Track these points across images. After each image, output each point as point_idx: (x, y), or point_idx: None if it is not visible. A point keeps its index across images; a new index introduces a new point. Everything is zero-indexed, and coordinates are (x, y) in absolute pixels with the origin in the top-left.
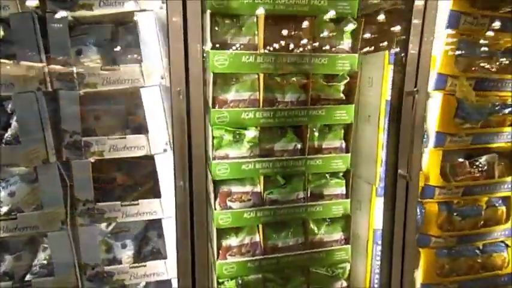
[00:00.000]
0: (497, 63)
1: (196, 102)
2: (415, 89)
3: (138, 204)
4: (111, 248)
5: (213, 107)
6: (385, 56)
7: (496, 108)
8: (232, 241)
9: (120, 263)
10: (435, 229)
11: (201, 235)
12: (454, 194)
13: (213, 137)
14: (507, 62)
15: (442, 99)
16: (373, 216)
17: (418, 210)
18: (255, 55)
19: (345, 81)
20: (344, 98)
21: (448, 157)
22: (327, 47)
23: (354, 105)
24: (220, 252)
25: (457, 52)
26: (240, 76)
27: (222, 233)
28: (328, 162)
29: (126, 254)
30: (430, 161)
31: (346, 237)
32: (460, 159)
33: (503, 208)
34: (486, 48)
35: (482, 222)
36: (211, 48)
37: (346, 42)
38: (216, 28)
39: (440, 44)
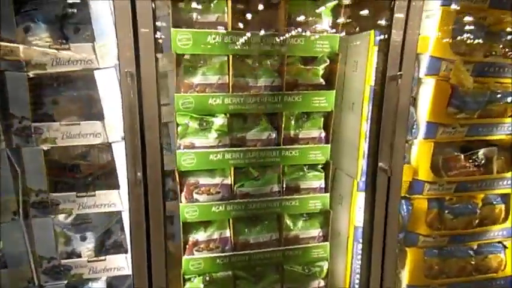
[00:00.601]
0: (500, 45)
1: (148, 85)
2: (398, 73)
3: (94, 195)
4: (69, 241)
5: (177, 91)
6: (370, 36)
7: (497, 96)
8: (200, 236)
9: (79, 256)
10: (424, 227)
11: (156, 229)
12: (446, 190)
13: (177, 124)
14: (511, 44)
15: (435, 85)
16: (354, 212)
17: (405, 207)
18: (221, 34)
19: (325, 65)
20: (324, 83)
21: (440, 150)
22: (305, 26)
23: (334, 91)
24: (187, 247)
25: (454, 33)
26: (209, 58)
27: (190, 227)
28: (306, 154)
29: (86, 247)
30: (419, 153)
31: (325, 234)
32: (455, 153)
33: (502, 206)
34: (487, 29)
35: (477, 221)
36: (174, 27)
37: (326, 21)
38: (181, 4)
39: (435, 23)
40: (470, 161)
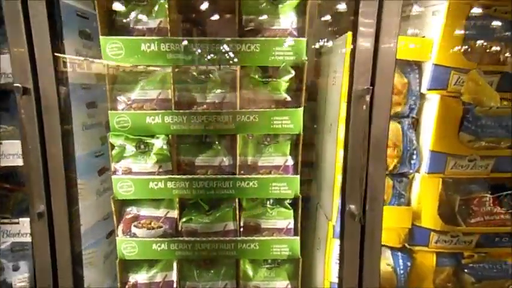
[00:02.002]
0: None
1: (50, 102)
2: (365, 88)
3: (18, 223)
4: (1, 269)
5: (112, 108)
6: (346, 40)
7: None
8: (141, 276)
9: (10, 287)
10: None
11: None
12: (464, 244)
13: (112, 146)
14: None
15: (441, 103)
16: (329, 263)
17: (401, 261)
18: (157, 42)
19: (289, 76)
20: (289, 99)
21: (458, 188)
22: (263, 30)
23: (301, 109)
24: None
25: (467, 33)
26: (153, 71)
27: (132, 265)
28: (267, 185)
29: (18, 278)
30: (422, 192)
31: None
32: (479, 193)
33: None
34: None
35: None
36: (105, 34)
37: (288, 21)
38: (118, 7)
39: (440, 20)
40: (502, 204)
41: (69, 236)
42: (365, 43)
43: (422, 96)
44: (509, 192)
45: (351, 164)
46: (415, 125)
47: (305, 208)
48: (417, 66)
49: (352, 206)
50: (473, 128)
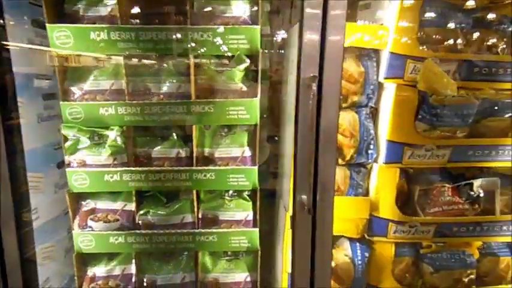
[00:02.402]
0: (493, 39)
1: None
2: (312, 75)
3: None
4: None
5: (65, 99)
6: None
7: (494, 108)
8: (99, 270)
9: None
10: (391, 281)
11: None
12: (421, 234)
13: (65, 138)
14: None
15: (397, 92)
16: (287, 254)
17: (359, 252)
18: (107, 30)
19: (244, 65)
20: (244, 88)
21: (417, 177)
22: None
23: (257, 99)
24: (84, 282)
25: (423, 20)
26: (105, 60)
27: (91, 258)
28: (224, 177)
29: None
30: (380, 182)
31: (254, 280)
32: (438, 183)
33: (510, 259)
34: (477, 14)
35: (470, 278)
36: (51, 22)
37: (241, 9)
38: None
39: (395, 6)
40: (461, 194)
41: (16, 231)
42: (311, 34)
43: (380, 86)
44: (468, 181)
45: (301, 154)
46: (374, 114)
47: (273, 201)
48: (375, 54)
49: (303, 197)
50: (428, 117)
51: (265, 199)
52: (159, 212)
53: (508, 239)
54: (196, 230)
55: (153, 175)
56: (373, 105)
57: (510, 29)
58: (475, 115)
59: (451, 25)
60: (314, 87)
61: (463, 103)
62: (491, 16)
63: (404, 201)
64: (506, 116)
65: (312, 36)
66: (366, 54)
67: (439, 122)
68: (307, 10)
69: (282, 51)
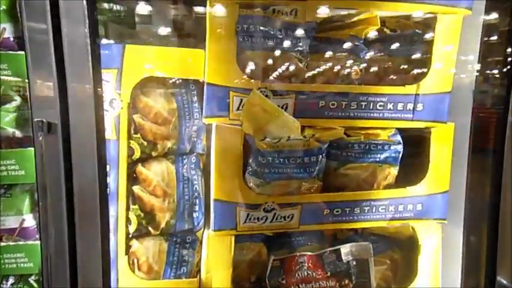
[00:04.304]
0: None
1: None
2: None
3: None
4: None
5: None
6: None
7: (353, 152)
8: None
9: None
10: None
11: None
12: None
13: None
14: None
15: (216, 135)
16: None
17: None
18: None
19: (15, 104)
20: (19, 134)
21: (275, 243)
22: None
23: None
24: None
25: (241, 41)
26: None
27: None
28: None
29: None
30: (210, 256)
31: None
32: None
33: None
34: (320, 34)
35: None
36: None
37: None
38: None
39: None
40: (327, 266)
41: None
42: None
43: (209, 127)
44: (334, 248)
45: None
46: (205, 164)
47: None
48: (196, 86)
49: None
50: (257, 168)
51: None
52: None
53: None
54: None
55: None
56: (201, 151)
57: (364, 52)
58: (334, 162)
59: (283, 47)
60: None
61: (303, 148)
62: (338, 36)
63: (261, 276)
64: (370, 161)
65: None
66: (184, 86)
67: (273, 175)
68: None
69: None
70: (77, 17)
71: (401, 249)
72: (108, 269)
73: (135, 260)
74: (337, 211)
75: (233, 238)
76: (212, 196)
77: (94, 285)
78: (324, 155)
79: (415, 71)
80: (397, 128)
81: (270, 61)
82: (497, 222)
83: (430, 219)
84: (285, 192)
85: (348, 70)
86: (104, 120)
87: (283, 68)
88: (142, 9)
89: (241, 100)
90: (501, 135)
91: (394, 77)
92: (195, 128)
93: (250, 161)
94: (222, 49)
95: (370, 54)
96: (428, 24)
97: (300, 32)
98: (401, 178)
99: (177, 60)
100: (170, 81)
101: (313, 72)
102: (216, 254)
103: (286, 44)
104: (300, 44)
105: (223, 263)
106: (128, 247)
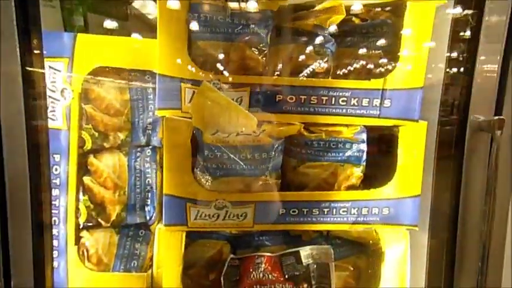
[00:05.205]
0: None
1: None
2: None
3: None
4: None
5: None
6: None
7: (313, 149)
8: None
9: None
10: None
11: None
12: None
13: None
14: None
15: (166, 129)
16: None
17: None
18: None
19: None
20: None
21: (236, 243)
22: None
23: None
24: None
25: (193, 30)
26: None
27: None
28: None
29: None
30: (160, 251)
31: None
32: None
33: None
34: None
35: None
36: None
37: None
38: None
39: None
40: (286, 268)
41: None
42: None
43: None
44: (293, 250)
45: None
46: (160, 156)
47: None
48: (151, 77)
49: None
50: (204, 163)
51: None
52: None
53: None
54: None
55: None
56: (158, 144)
57: (330, 44)
58: (293, 160)
59: (238, 37)
60: None
61: (253, 144)
62: (302, 26)
63: (213, 277)
64: (331, 160)
65: None
66: (137, 77)
67: (221, 170)
68: None
69: None
70: None
71: (367, 256)
72: (41, 261)
73: (85, 251)
74: (294, 211)
75: (184, 234)
76: (163, 191)
77: (27, 277)
78: (277, 151)
79: (383, 64)
80: (365, 126)
81: (223, 52)
82: (456, 226)
83: (398, 225)
84: (237, 189)
85: (311, 62)
86: (36, 109)
87: (238, 59)
88: None
89: (194, 92)
90: (461, 136)
91: (361, 71)
92: (150, 121)
93: (198, 155)
94: (173, 38)
95: (335, 46)
96: (400, 14)
97: (254, 20)
98: (371, 180)
99: (130, 50)
100: (124, 73)
101: (272, 64)
102: (166, 250)
103: (242, 33)
104: (258, 33)
105: (174, 259)
106: (78, 238)
